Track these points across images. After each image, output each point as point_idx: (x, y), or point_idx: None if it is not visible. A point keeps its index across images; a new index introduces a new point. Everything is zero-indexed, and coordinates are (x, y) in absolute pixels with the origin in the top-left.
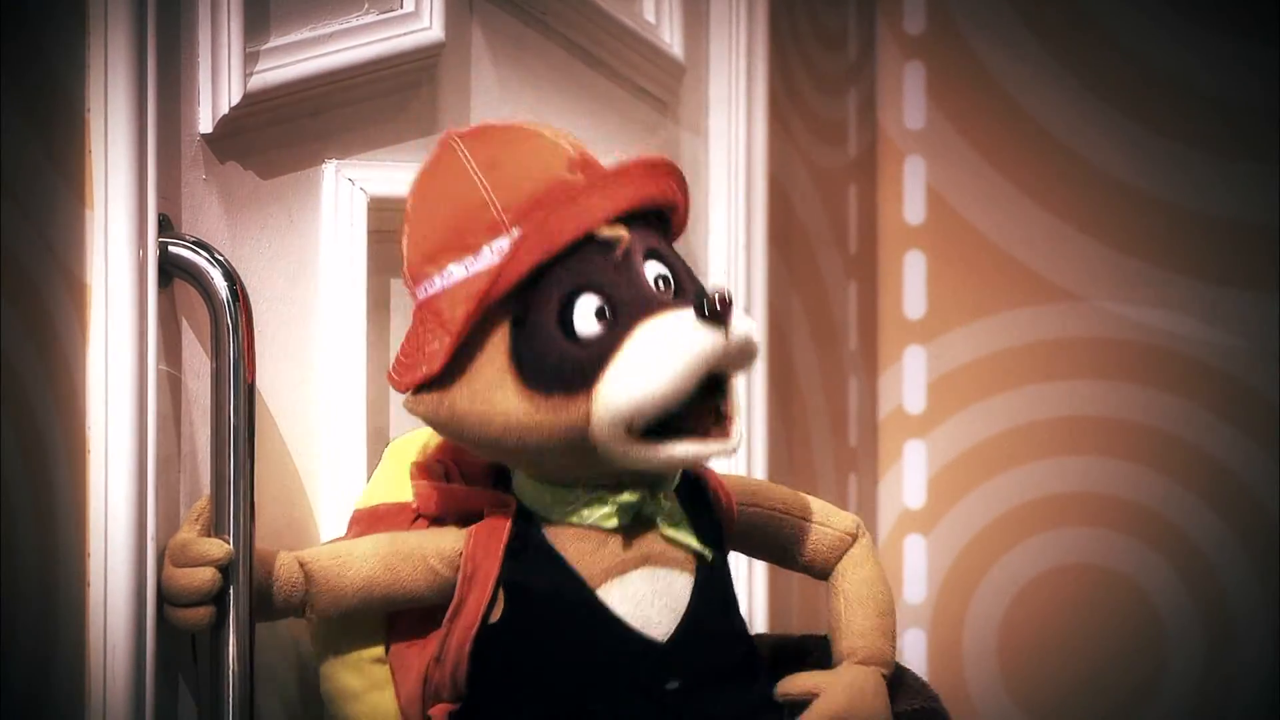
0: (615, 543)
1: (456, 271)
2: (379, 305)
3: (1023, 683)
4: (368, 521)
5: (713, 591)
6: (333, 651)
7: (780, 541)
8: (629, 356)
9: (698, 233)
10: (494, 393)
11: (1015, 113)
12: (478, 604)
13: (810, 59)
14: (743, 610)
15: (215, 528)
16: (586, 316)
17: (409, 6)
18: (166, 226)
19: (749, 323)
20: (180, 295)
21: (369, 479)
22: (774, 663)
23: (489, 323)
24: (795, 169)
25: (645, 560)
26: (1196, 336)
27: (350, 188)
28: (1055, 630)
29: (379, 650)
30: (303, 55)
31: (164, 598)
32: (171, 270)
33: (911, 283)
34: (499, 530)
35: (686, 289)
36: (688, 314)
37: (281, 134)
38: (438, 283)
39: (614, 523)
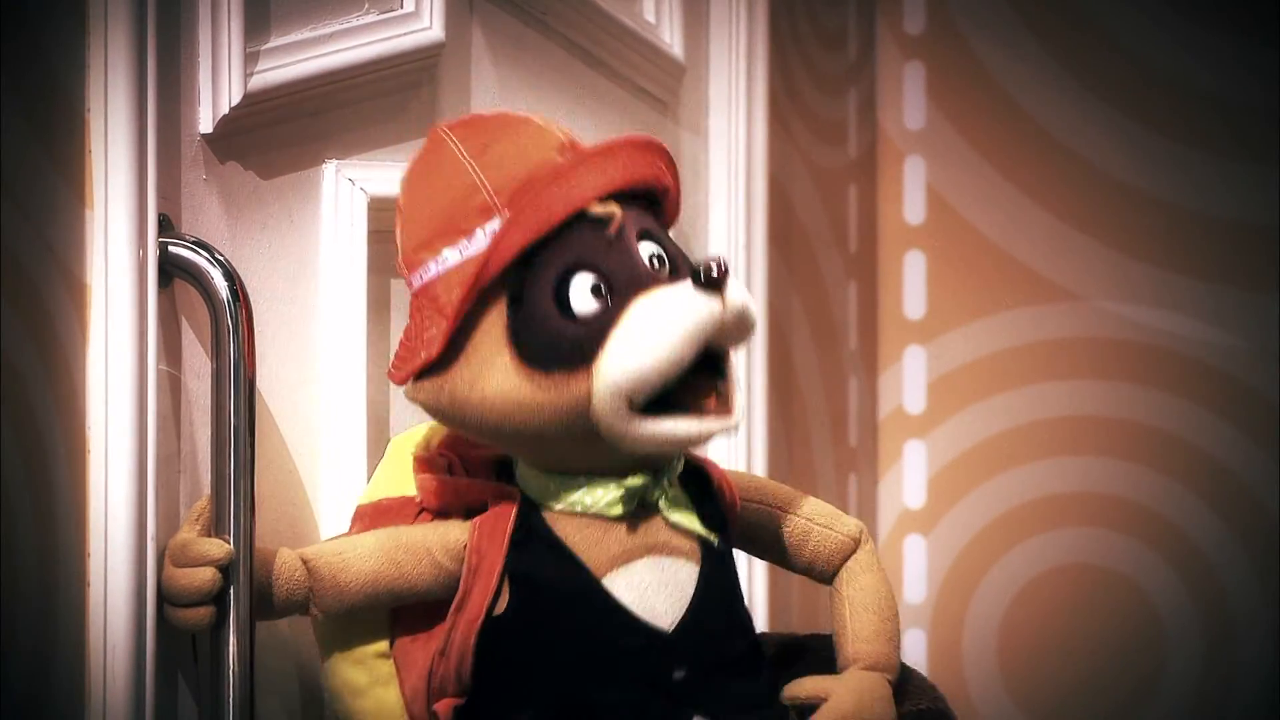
0: (620, 531)
1: (451, 256)
2: (379, 305)
3: (1023, 683)
4: (371, 516)
5: (718, 581)
6: (337, 647)
7: (782, 541)
8: (627, 330)
9: (698, 232)
10: (494, 374)
11: (1015, 113)
12: (483, 596)
13: (810, 59)
14: None
15: (215, 527)
16: (583, 294)
17: (409, 6)
18: (166, 226)
19: (746, 293)
20: (180, 295)
21: (369, 478)
22: (777, 662)
23: (486, 304)
24: (795, 169)
25: (650, 549)
26: (1196, 336)
27: (350, 188)
28: (1055, 630)
29: (383, 645)
30: (303, 55)
31: (164, 598)
32: (171, 270)
33: (911, 283)
34: (503, 521)
35: (681, 269)
36: (685, 285)
37: (282, 134)
38: (433, 269)
39: (619, 510)
